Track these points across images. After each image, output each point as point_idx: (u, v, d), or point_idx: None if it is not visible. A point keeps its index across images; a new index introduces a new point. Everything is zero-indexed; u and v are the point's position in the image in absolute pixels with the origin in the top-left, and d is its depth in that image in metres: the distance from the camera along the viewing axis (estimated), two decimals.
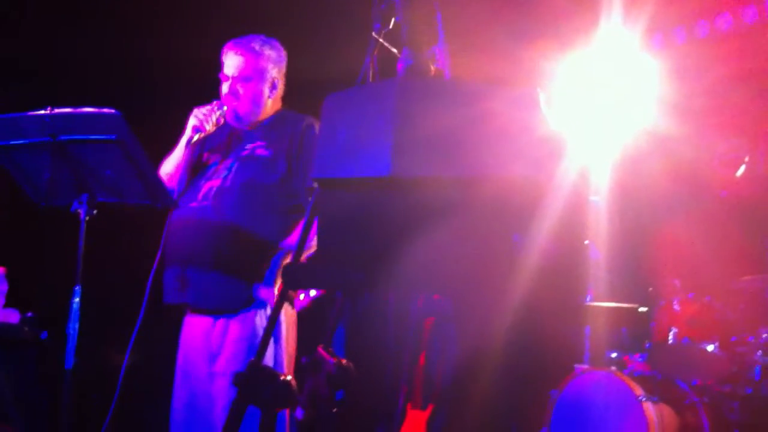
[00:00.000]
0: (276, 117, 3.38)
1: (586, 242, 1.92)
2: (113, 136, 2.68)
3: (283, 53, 3.41)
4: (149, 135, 2.87)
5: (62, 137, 2.71)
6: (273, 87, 3.36)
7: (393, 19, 2.08)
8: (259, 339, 2.99)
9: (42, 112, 2.70)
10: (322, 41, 4.85)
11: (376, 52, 2.12)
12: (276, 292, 3.18)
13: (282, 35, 3.42)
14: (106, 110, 2.69)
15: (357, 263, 1.99)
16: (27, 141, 2.77)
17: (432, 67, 2.04)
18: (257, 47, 3.32)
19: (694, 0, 5.18)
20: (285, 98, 3.43)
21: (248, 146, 3.31)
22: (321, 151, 1.92)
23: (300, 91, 3.41)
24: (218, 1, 5.06)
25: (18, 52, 5.08)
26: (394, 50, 2.07)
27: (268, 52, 3.34)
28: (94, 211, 2.84)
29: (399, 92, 1.83)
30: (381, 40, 2.10)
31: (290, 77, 3.44)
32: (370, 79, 2.14)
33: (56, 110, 2.70)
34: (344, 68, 2.83)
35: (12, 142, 2.80)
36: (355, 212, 1.93)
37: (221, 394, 3.09)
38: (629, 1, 5.03)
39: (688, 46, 5.43)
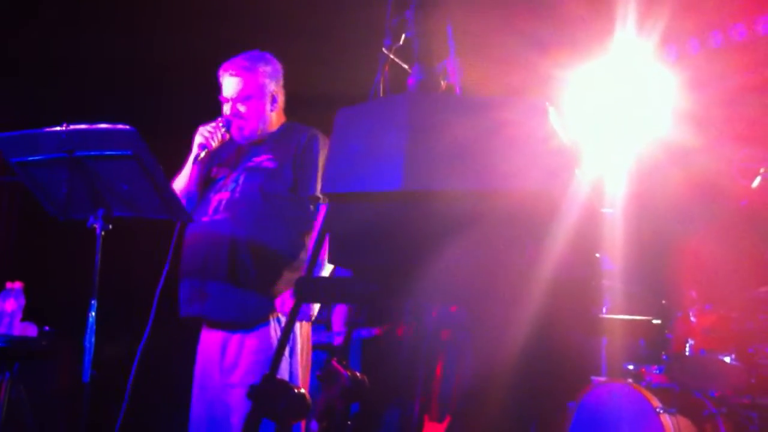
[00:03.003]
0: (282, 129, 3.40)
1: (597, 255, 1.89)
2: (129, 152, 2.70)
3: (278, 65, 3.40)
4: (163, 148, 2.90)
5: (79, 153, 2.74)
6: (273, 101, 3.37)
7: (404, 35, 2.09)
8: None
9: (58, 128, 2.73)
10: (333, 57, 4.88)
11: (387, 68, 2.12)
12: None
13: (294, 50, 3.44)
14: (121, 126, 2.71)
15: (370, 275, 1.99)
16: (44, 157, 2.80)
17: (443, 82, 2.04)
18: (251, 65, 3.32)
19: (708, 11, 5.15)
20: (296, 113, 3.44)
21: (255, 159, 3.33)
22: (332, 165, 1.92)
23: (311, 105, 3.43)
24: (232, 18, 5.11)
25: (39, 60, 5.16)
26: (405, 66, 2.08)
27: (263, 67, 3.34)
28: (110, 226, 2.86)
29: (410, 106, 1.83)
30: (392, 55, 2.11)
31: (300, 91, 3.44)
32: (381, 95, 2.14)
33: (72, 126, 2.72)
34: (355, 84, 2.84)
35: (30, 158, 2.83)
36: (368, 225, 1.92)
37: (238, 404, 3.10)
38: (643, 11, 5.02)
39: (702, 56, 5.41)
